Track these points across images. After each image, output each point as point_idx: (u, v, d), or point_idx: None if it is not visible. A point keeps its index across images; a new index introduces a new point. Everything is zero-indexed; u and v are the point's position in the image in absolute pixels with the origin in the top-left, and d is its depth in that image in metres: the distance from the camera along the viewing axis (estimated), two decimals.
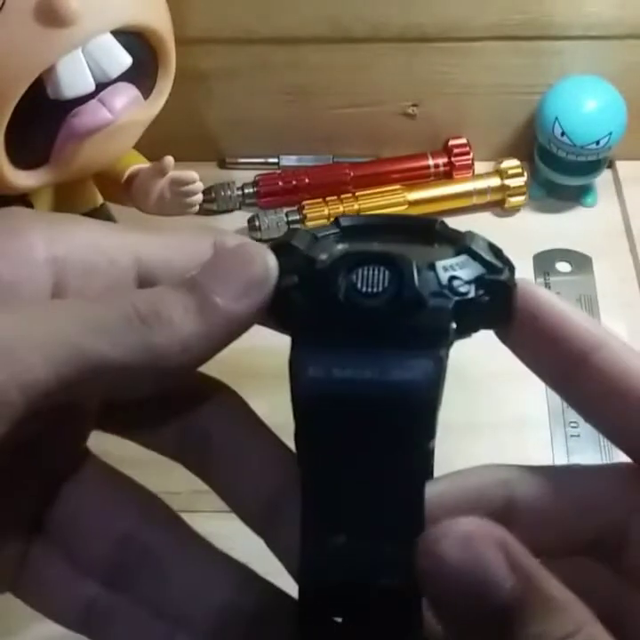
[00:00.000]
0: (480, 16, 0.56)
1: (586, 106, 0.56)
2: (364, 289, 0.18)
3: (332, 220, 0.22)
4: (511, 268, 0.20)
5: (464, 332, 0.19)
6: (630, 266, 0.57)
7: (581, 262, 0.57)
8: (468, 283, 0.19)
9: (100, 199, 0.51)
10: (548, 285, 0.55)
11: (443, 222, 0.21)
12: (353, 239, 0.21)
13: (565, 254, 0.57)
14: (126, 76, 0.44)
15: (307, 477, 0.18)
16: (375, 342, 0.18)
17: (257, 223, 0.58)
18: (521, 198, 0.60)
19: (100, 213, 0.51)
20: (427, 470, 0.18)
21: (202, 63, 0.58)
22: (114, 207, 0.51)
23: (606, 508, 0.19)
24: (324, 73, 0.59)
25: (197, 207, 0.49)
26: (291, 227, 0.59)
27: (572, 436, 0.48)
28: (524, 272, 0.56)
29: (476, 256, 0.20)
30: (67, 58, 0.41)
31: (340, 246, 0.20)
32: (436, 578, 0.16)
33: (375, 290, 0.18)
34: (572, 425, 0.48)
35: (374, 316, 0.18)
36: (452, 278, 0.19)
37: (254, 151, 0.63)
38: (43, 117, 0.42)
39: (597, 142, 0.56)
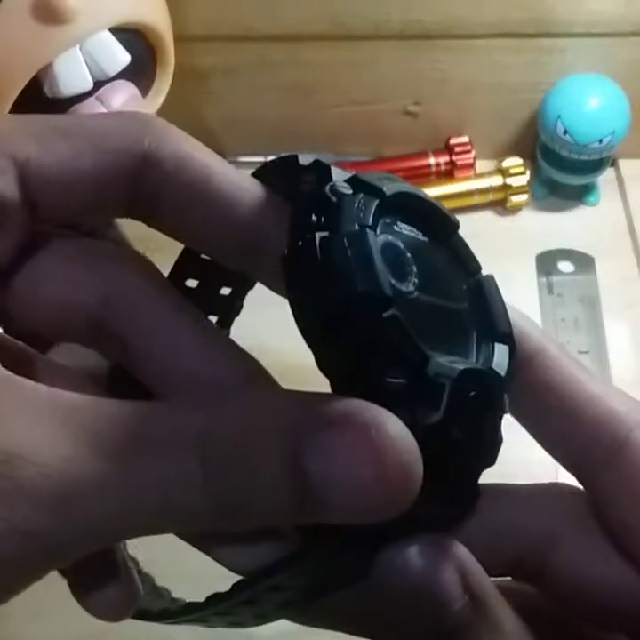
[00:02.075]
0: (482, 13, 0.56)
1: (588, 104, 0.56)
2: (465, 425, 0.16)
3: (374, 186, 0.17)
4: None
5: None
6: (633, 265, 0.57)
7: (584, 262, 0.56)
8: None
9: None
10: (550, 285, 0.55)
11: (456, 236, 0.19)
12: (390, 228, 0.17)
13: (568, 254, 0.57)
14: (124, 74, 0.44)
15: None
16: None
17: None
18: (523, 197, 0.59)
19: None
20: None
21: (201, 61, 0.58)
22: None
23: (525, 534, 0.18)
24: (324, 71, 0.59)
25: None
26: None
27: None
28: (526, 272, 0.56)
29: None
30: (64, 56, 0.41)
31: (383, 250, 0.16)
32: (390, 590, 0.16)
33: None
34: None
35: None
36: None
37: (254, 149, 0.63)
38: None
39: (600, 141, 0.55)
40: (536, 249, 0.57)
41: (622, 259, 0.57)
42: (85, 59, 0.41)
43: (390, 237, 0.17)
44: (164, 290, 0.19)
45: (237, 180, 0.18)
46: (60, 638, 0.44)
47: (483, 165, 0.61)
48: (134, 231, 0.49)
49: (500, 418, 0.17)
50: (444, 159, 0.61)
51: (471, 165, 0.61)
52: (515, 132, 0.62)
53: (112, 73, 0.43)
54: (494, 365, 0.17)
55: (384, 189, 0.17)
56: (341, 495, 0.14)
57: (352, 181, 0.17)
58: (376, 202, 0.16)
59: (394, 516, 0.15)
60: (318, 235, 0.16)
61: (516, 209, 0.60)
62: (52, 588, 0.18)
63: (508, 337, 0.18)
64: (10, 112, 0.40)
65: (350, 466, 0.14)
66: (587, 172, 0.59)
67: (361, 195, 0.16)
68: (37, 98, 0.41)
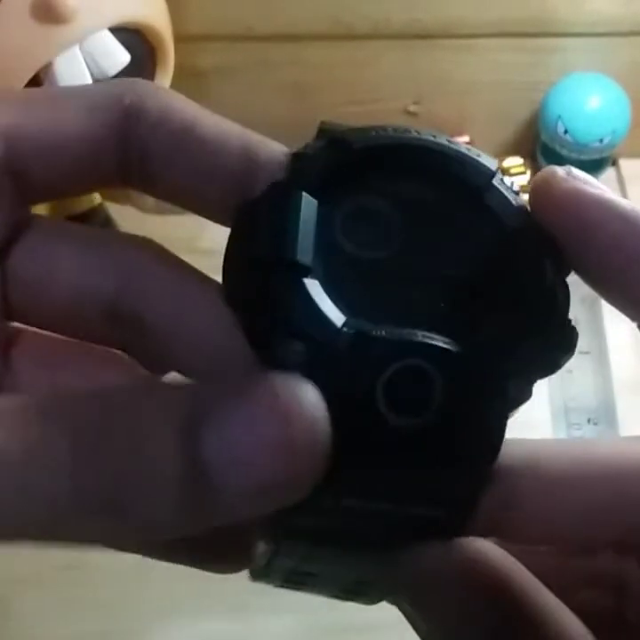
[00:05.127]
0: (482, 13, 0.56)
1: (589, 103, 0.56)
2: (406, 408, 0.14)
3: (335, 137, 0.16)
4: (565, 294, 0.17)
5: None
6: None
7: None
8: (529, 378, 0.16)
9: (97, 198, 0.51)
10: None
11: (496, 184, 0.17)
12: (363, 190, 0.16)
13: None
14: (124, 74, 0.44)
15: None
16: (412, 461, 0.15)
17: None
18: (524, 197, 0.59)
19: (97, 212, 0.51)
20: None
21: (200, 60, 0.58)
22: (112, 206, 0.51)
23: (630, 509, 0.16)
24: (324, 70, 0.59)
25: None
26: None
27: (574, 437, 0.48)
28: None
29: (540, 331, 0.16)
30: (64, 55, 0.41)
31: (348, 218, 0.16)
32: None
33: (418, 408, 0.14)
34: (575, 426, 0.48)
35: (416, 438, 0.15)
36: (507, 376, 0.15)
37: None
38: None
39: (601, 140, 0.55)
40: None
41: None
42: (85, 58, 0.41)
43: (365, 199, 0.16)
44: (178, 267, 0.18)
45: (226, 128, 0.17)
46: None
47: None
48: (135, 231, 0.49)
49: (487, 399, 0.15)
50: None
51: None
52: (515, 132, 0.62)
53: (112, 72, 0.43)
54: (473, 343, 0.15)
55: (354, 145, 0.16)
56: (240, 475, 0.13)
57: (332, 136, 0.16)
58: (333, 161, 0.16)
59: (300, 497, 0.13)
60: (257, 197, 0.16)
61: None
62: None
63: (522, 308, 0.16)
64: None
65: (249, 440, 0.13)
66: (587, 172, 0.58)
67: (325, 153, 0.16)
68: None
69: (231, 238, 0.16)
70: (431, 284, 0.16)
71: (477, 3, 0.55)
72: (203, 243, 0.59)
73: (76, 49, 0.41)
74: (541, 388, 0.50)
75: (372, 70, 0.59)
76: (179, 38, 0.47)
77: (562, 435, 0.48)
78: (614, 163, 0.62)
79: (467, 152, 0.17)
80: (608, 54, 0.58)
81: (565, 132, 0.56)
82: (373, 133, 0.16)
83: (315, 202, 0.15)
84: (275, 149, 0.17)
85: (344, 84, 0.60)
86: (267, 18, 0.56)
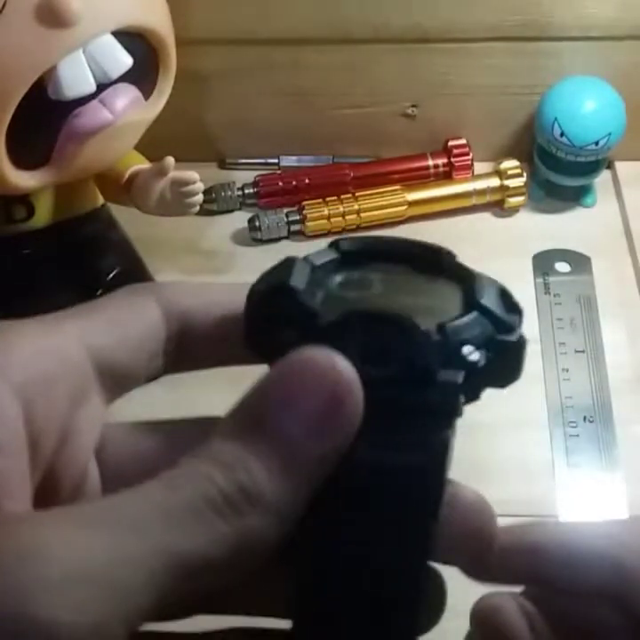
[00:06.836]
0: (479, 17, 0.56)
1: (585, 106, 0.56)
2: (371, 360, 0.17)
3: (331, 241, 0.22)
4: (521, 318, 0.20)
5: (471, 397, 0.19)
6: (629, 266, 0.58)
7: (580, 262, 0.57)
8: (479, 347, 0.18)
9: (100, 200, 0.51)
10: (547, 285, 0.55)
11: (449, 253, 0.21)
12: (353, 267, 0.21)
13: (564, 254, 0.57)
14: (127, 77, 0.44)
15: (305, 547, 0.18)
16: (379, 417, 0.17)
17: (257, 223, 0.59)
18: (520, 199, 0.60)
19: (100, 214, 0.51)
20: (426, 551, 0.18)
21: (202, 64, 0.58)
22: (114, 207, 0.51)
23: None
24: (324, 74, 0.59)
25: (198, 207, 0.49)
26: (290, 228, 0.59)
27: (571, 435, 0.48)
28: (523, 272, 0.56)
29: (486, 312, 0.19)
30: (68, 58, 0.41)
31: (340, 278, 0.20)
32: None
33: (383, 361, 0.17)
34: (571, 424, 0.48)
35: (381, 390, 0.17)
36: (462, 343, 0.18)
37: (254, 152, 0.63)
38: (44, 118, 0.43)
39: (596, 143, 0.56)
40: (533, 249, 0.58)
41: (618, 259, 0.58)
42: (88, 62, 0.42)
43: (357, 273, 0.21)
44: None
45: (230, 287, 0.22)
46: None
47: (480, 167, 0.62)
48: (137, 232, 0.49)
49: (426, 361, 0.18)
50: (442, 161, 0.62)
51: (469, 167, 0.61)
52: (512, 135, 0.63)
53: (115, 76, 0.43)
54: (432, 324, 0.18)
55: (343, 247, 0.21)
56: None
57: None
58: (334, 253, 0.21)
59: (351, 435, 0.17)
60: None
61: (513, 210, 0.60)
62: None
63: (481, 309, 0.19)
64: (14, 113, 0.41)
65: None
66: (583, 174, 0.59)
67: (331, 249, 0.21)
68: (41, 99, 0.41)
69: (248, 295, 0.20)
70: (397, 305, 0.20)
71: (475, 7, 0.56)
72: (203, 243, 0.60)
73: (80, 53, 0.41)
74: (537, 386, 0.50)
75: (370, 74, 0.59)
76: (181, 42, 0.47)
77: (558, 433, 0.48)
78: (610, 165, 0.62)
79: (417, 241, 0.22)
80: (604, 58, 0.58)
81: (561, 134, 0.56)
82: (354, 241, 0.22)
83: (307, 264, 0.20)
84: None
85: (343, 88, 0.60)
86: (268, 22, 0.56)
